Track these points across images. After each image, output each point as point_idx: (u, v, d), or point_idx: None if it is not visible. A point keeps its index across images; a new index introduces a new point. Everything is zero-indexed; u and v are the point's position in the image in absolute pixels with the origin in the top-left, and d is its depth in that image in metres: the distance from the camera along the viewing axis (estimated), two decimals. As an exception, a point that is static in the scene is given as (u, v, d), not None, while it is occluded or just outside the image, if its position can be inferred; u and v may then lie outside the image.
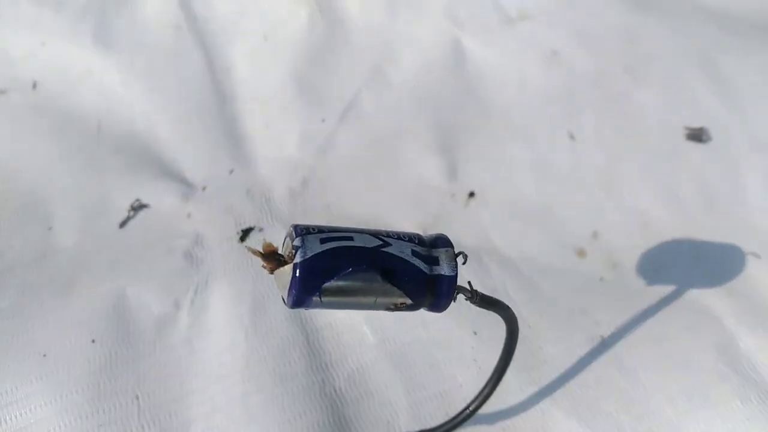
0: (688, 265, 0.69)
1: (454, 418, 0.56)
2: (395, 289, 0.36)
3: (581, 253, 0.70)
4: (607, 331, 0.63)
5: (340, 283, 0.35)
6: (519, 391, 0.59)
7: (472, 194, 0.74)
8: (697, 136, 0.78)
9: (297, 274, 0.34)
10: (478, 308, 0.62)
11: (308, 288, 0.34)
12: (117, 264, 0.68)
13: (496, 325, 0.63)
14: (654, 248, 0.70)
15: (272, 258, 0.36)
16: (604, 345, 0.62)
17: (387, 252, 0.37)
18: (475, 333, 0.63)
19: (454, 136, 0.79)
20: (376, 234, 0.38)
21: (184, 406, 0.60)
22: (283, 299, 0.36)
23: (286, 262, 0.35)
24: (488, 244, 0.71)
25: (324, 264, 0.35)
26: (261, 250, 0.36)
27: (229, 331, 0.64)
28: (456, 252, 0.39)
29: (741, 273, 0.68)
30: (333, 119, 0.79)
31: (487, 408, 0.59)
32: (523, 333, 0.61)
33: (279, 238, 0.69)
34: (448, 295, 0.38)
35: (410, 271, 0.37)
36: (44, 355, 0.62)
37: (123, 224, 0.71)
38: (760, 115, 0.80)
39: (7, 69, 0.84)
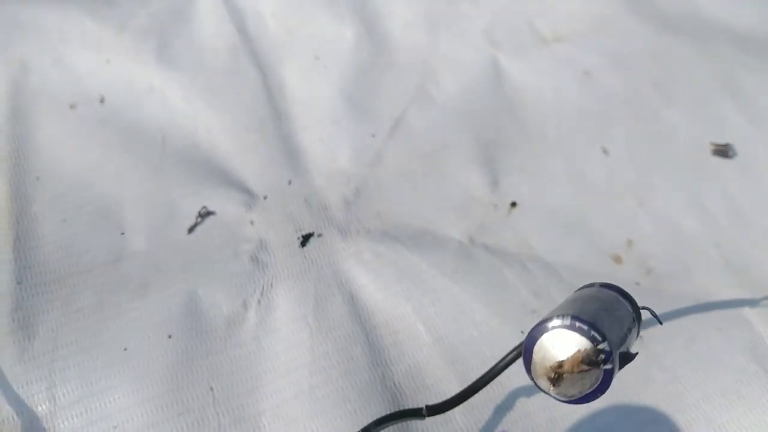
0: (717, 272, 0.74)
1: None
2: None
3: (617, 260, 0.75)
4: (644, 331, 0.68)
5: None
6: (565, 386, 0.64)
7: (513, 204, 0.80)
8: (723, 152, 0.83)
9: (609, 381, 0.36)
10: (525, 312, 0.67)
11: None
12: (187, 266, 0.74)
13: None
14: (685, 255, 0.75)
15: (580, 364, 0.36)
16: (643, 344, 0.67)
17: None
18: (522, 332, 0.68)
19: (494, 150, 0.84)
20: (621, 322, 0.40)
21: (255, 398, 0.65)
22: (556, 397, 0.37)
23: (589, 366, 0.36)
24: (530, 251, 0.76)
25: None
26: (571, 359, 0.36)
27: (295, 329, 0.69)
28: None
29: (766, 278, 0.73)
30: (382, 134, 0.85)
31: (535, 401, 0.64)
32: (567, 333, 0.67)
33: (337, 245, 0.74)
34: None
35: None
36: (125, 350, 0.68)
37: (191, 230, 0.77)
38: (782, 132, 0.85)
39: (75, 85, 0.90)
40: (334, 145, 0.84)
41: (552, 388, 0.37)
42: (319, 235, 0.76)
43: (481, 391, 0.64)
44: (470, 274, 0.73)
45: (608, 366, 0.35)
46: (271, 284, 0.72)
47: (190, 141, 0.85)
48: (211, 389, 0.66)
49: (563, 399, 0.37)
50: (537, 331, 0.38)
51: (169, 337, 0.68)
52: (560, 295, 0.71)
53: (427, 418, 0.56)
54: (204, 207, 0.78)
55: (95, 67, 0.92)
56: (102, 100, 0.89)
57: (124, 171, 0.83)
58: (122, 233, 0.77)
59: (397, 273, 0.73)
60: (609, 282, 0.44)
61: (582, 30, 0.94)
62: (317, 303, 0.71)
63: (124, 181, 0.82)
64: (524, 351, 0.38)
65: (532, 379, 0.38)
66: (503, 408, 0.64)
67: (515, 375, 0.65)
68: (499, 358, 0.53)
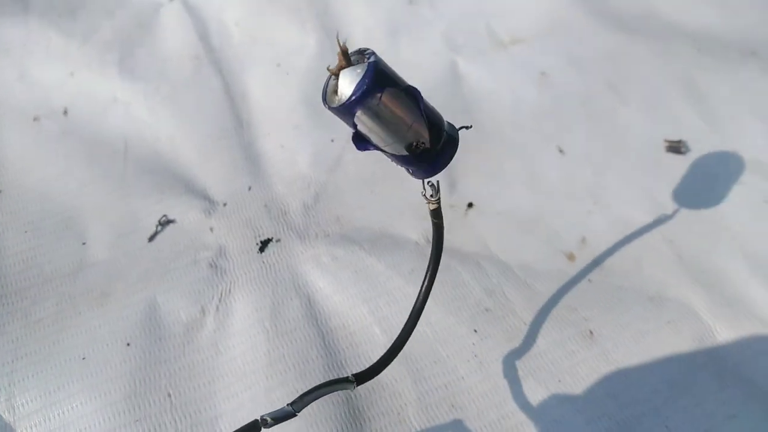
0: (669, 266, 0.75)
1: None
2: (425, 125, 0.43)
3: (571, 257, 0.76)
4: (595, 326, 0.69)
5: (398, 93, 0.41)
6: (515, 382, 0.65)
7: (470, 205, 0.81)
8: (677, 148, 0.84)
9: (371, 69, 0.40)
10: (479, 311, 0.68)
11: (376, 83, 0.40)
12: (147, 275, 0.75)
13: (494, 323, 0.69)
14: (638, 251, 0.76)
15: (346, 57, 0.41)
16: (593, 339, 0.68)
17: (427, 106, 0.45)
18: (475, 331, 0.69)
19: (453, 153, 0.85)
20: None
21: (212, 402, 0.66)
22: (334, 98, 0.41)
23: (354, 65, 0.40)
24: (486, 251, 0.77)
25: (390, 75, 0.41)
26: (341, 48, 0.41)
27: (252, 333, 0.70)
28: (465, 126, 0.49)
29: (716, 270, 0.74)
30: (342, 139, 0.86)
31: (486, 399, 0.65)
32: (519, 329, 0.68)
33: (296, 249, 0.75)
34: (449, 154, 0.47)
35: (437, 118, 0.45)
36: (83, 358, 0.68)
37: (152, 238, 0.78)
38: (735, 128, 0.86)
39: (39, 97, 0.91)
40: (295, 150, 0.86)
41: (339, 91, 0.41)
42: (278, 240, 0.77)
43: (434, 392, 0.65)
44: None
45: (372, 59, 0.40)
46: (230, 290, 0.73)
47: (153, 150, 0.86)
48: (169, 395, 0.66)
49: (347, 99, 0.40)
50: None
51: (128, 344, 0.69)
52: (513, 293, 0.72)
53: (357, 387, 0.55)
54: (164, 215, 0.79)
55: (59, 79, 0.93)
56: (65, 112, 0.90)
57: (86, 182, 0.83)
58: (84, 243, 0.78)
59: (355, 275, 0.74)
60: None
61: (539, 32, 0.96)
62: (274, 307, 0.72)
63: (87, 191, 0.83)
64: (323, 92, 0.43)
65: (325, 101, 0.42)
66: (456, 407, 0.65)
67: (470, 374, 0.66)
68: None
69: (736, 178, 0.82)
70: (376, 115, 0.41)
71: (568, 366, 0.67)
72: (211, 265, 0.75)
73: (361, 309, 0.71)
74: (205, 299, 0.72)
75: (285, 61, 0.94)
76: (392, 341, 0.69)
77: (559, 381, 0.65)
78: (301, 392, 0.64)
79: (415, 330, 0.70)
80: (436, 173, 0.47)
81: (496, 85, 0.91)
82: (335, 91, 0.42)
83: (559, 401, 0.64)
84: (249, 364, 0.68)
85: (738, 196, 0.81)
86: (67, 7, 1.01)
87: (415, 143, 0.44)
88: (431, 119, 0.44)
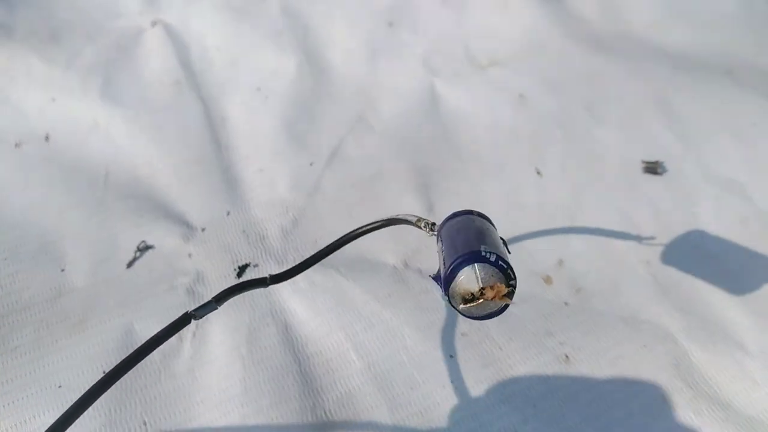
0: (646, 289, 0.75)
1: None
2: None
3: (548, 280, 0.76)
4: (571, 350, 0.69)
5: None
6: (491, 409, 0.65)
7: (448, 228, 0.81)
8: (653, 169, 0.85)
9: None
10: (455, 336, 0.69)
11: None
12: (125, 301, 0.75)
13: (471, 348, 0.69)
14: (614, 273, 0.77)
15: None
16: (569, 364, 0.68)
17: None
18: (451, 356, 0.69)
19: (430, 175, 0.86)
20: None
21: (188, 430, 0.66)
22: (463, 312, 0.44)
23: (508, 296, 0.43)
24: (463, 274, 0.77)
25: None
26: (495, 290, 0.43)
27: (228, 361, 0.70)
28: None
29: (693, 293, 0.74)
30: (320, 163, 0.86)
31: (463, 425, 0.65)
32: (495, 355, 0.68)
33: (272, 273, 0.75)
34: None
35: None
36: (59, 387, 0.68)
37: (130, 264, 0.78)
38: (711, 147, 0.87)
39: (21, 123, 0.92)
40: (273, 175, 0.86)
41: (462, 306, 0.44)
42: (255, 266, 0.78)
43: (410, 419, 0.65)
44: (403, 299, 0.74)
45: (511, 300, 0.44)
46: (207, 317, 0.73)
47: (133, 176, 0.87)
48: (144, 423, 0.66)
49: (467, 315, 0.45)
50: (468, 259, 0.43)
51: (104, 372, 0.69)
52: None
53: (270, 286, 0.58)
54: (143, 241, 0.79)
55: (41, 105, 0.94)
56: (47, 138, 0.91)
57: (66, 207, 0.84)
58: (62, 270, 0.78)
59: (331, 300, 0.74)
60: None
61: (517, 54, 0.97)
62: (251, 334, 0.72)
63: (67, 217, 0.83)
64: (449, 273, 0.44)
65: (446, 293, 0.44)
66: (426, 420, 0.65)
67: (446, 400, 0.66)
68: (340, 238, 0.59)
69: (713, 199, 0.83)
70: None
71: (544, 391, 0.67)
72: (188, 291, 0.75)
73: (338, 335, 0.71)
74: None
75: (265, 85, 0.95)
76: (369, 367, 0.70)
77: (535, 406, 0.65)
78: (277, 421, 0.65)
79: (392, 355, 0.70)
80: None
81: (474, 108, 0.92)
82: (465, 300, 0.44)
83: (535, 428, 0.64)
84: (225, 391, 0.67)
85: (714, 216, 0.81)
86: (50, 32, 1.02)
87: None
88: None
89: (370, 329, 0.71)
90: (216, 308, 0.56)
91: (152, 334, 0.71)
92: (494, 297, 0.43)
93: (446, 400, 0.66)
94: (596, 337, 0.70)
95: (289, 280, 0.76)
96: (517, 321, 0.72)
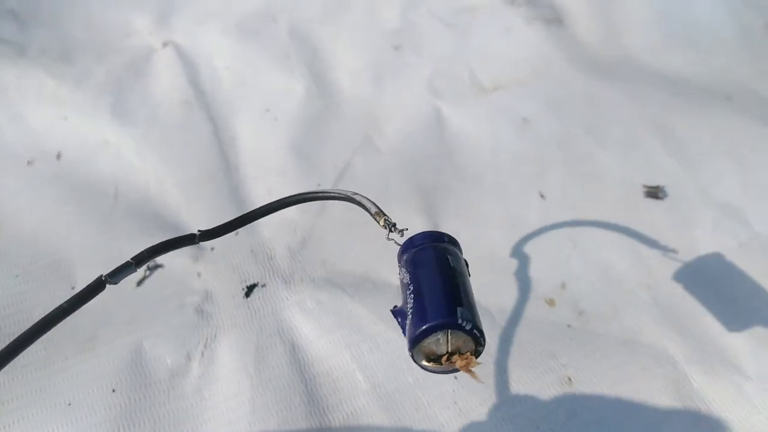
0: (646, 312, 0.76)
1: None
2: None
3: (551, 303, 0.77)
4: (573, 372, 0.71)
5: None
6: (495, 429, 0.66)
7: (452, 249, 0.82)
8: (655, 193, 0.87)
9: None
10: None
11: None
12: (134, 320, 0.76)
13: (475, 369, 0.70)
14: (616, 296, 0.78)
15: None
16: (571, 386, 0.70)
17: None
18: (455, 377, 0.70)
19: (434, 196, 0.88)
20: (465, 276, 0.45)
21: (196, 449, 0.67)
22: (426, 368, 0.43)
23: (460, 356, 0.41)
24: (467, 295, 0.78)
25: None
26: (462, 355, 0.41)
27: (236, 380, 0.71)
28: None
29: (692, 317, 0.76)
30: (328, 184, 0.88)
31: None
32: (499, 377, 0.70)
33: (281, 294, 0.77)
34: None
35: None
36: (69, 404, 0.69)
37: (140, 283, 0.79)
38: (710, 172, 0.89)
39: (33, 141, 0.93)
40: (281, 195, 0.87)
41: (427, 363, 0.42)
42: (263, 285, 0.79)
43: (411, 428, 0.66)
44: (408, 321, 0.75)
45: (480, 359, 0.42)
46: (215, 335, 0.75)
47: (142, 194, 0.88)
48: (153, 442, 0.67)
49: (429, 371, 0.43)
50: (441, 325, 0.40)
51: (113, 390, 0.70)
52: (493, 339, 0.74)
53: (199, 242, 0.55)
54: (153, 260, 0.81)
55: (53, 123, 0.95)
56: (58, 156, 0.92)
57: (77, 225, 0.85)
58: (72, 287, 0.79)
59: (338, 320, 0.75)
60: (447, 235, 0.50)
61: (520, 78, 0.99)
62: (259, 353, 0.73)
63: (77, 235, 0.84)
64: (418, 335, 0.41)
65: (411, 350, 0.42)
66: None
67: (450, 421, 0.67)
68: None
69: (712, 223, 0.84)
70: None
71: (546, 412, 0.68)
72: (197, 311, 0.77)
73: (344, 355, 0.72)
74: (190, 345, 0.74)
75: (274, 106, 0.97)
76: (375, 388, 0.71)
77: (537, 428, 0.66)
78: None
79: (397, 376, 0.71)
80: None
81: (478, 131, 0.94)
82: (424, 353, 0.42)
83: (537, 448, 0.66)
84: (232, 411, 0.69)
85: (714, 240, 0.83)
86: (62, 51, 1.04)
87: None
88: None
89: (376, 350, 0.73)
90: (135, 270, 0.51)
91: (164, 354, 0.73)
92: (463, 367, 0.41)
93: (451, 421, 0.67)
94: (598, 360, 0.72)
95: (297, 299, 0.78)
96: (521, 343, 0.73)
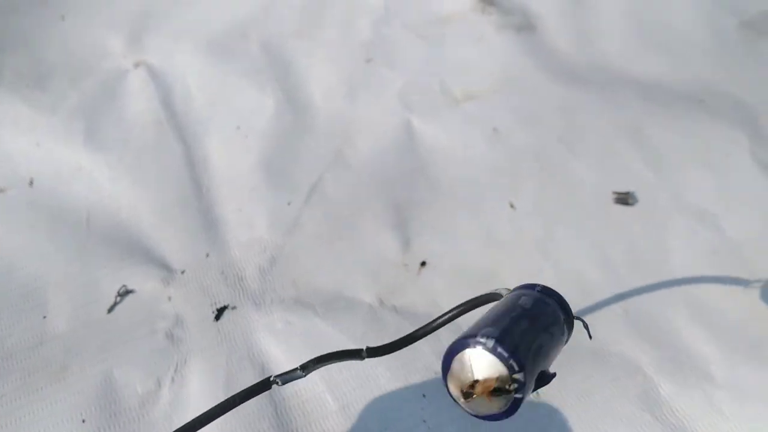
0: (616, 321, 0.76)
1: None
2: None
3: (521, 316, 0.77)
4: (542, 388, 0.70)
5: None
6: (463, 448, 0.66)
7: (423, 263, 0.82)
8: (624, 200, 0.86)
9: (518, 406, 0.37)
10: (428, 375, 0.70)
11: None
12: (105, 347, 0.76)
13: (443, 387, 0.70)
14: (586, 306, 0.78)
15: (497, 391, 0.36)
16: (540, 399, 0.69)
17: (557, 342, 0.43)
18: (424, 395, 0.70)
19: (407, 211, 0.87)
20: (547, 330, 0.42)
21: (166, 476, 0.67)
22: (466, 410, 0.39)
23: (501, 391, 0.36)
24: (438, 311, 0.78)
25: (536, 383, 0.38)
26: (486, 385, 0.36)
27: (205, 405, 0.69)
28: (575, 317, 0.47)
29: (663, 325, 0.75)
30: (298, 201, 0.88)
31: None
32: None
33: (251, 316, 0.77)
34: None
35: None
36: (40, 436, 0.69)
37: (111, 309, 0.80)
38: (683, 178, 0.88)
39: (6, 168, 0.94)
40: (252, 214, 0.88)
41: (463, 400, 0.38)
42: (234, 308, 0.79)
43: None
44: (377, 339, 0.75)
45: (519, 395, 0.36)
46: (185, 360, 0.75)
47: (115, 220, 0.88)
48: (124, 470, 0.67)
49: (471, 413, 0.39)
50: (460, 345, 0.38)
51: (83, 421, 0.70)
52: (463, 356, 0.73)
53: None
54: (123, 286, 0.81)
55: (26, 150, 0.96)
56: (31, 183, 0.93)
57: (49, 253, 0.85)
58: (44, 316, 0.80)
59: (307, 341, 0.75)
60: (549, 288, 0.46)
61: (492, 88, 0.98)
62: (229, 377, 0.73)
63: (49, 263, 0.84)
64: (444, 359, 0.39)
65: (446, 385, 0.39)
66: None
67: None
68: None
69: (684, 229, 0.84)
70: None
71: (514, 428, 0.67)
72: (167, 336, 0.77)
73: (313, 376, 0.71)
74: (161, 371, 0.74)
75: (244, 124, 0.97)
76: (344, 408, 0.71)
77: (506, 445, 0.66)
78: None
79: (366, 395, 0.71)
80: None
81: (450, 142, 0.93)
82: (463, 393, 0.38)
83: (506, 465, 0.65)
84: (202, 437, 0.69)
85: (685, 247, 0.82)
86: (36, 76, 1.04)
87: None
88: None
89: (345, 370, 0.72)
90: (303, 376, 0.52)
91: (134, 381, 0.73)
92: (483, 392, 0.36)
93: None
94: (567, 372, 0.71)
95: (267, 320, 0.78)
96: (489, 358, 0.73)
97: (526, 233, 0.85)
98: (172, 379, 0.73)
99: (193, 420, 0.52)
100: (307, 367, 0.53)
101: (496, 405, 0.37)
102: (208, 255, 0.84)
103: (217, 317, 0.78)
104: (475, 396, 0.37)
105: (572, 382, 0.70)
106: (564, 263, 0.82)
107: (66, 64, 1.07)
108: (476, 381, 0.37)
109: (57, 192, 0.91)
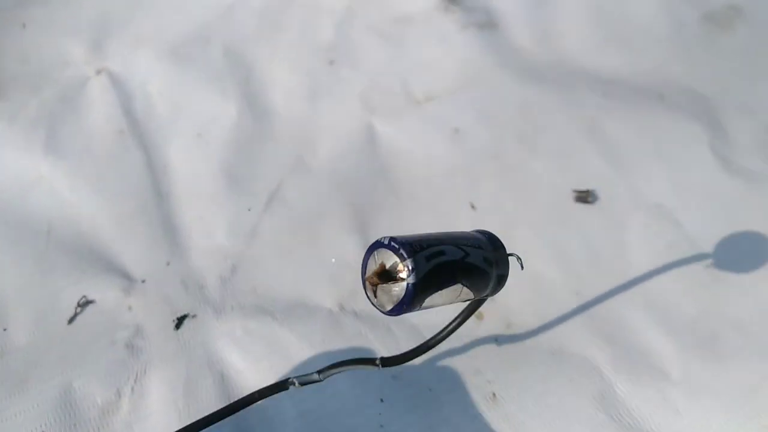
0: (575, 321, 0.77)
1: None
2: (472, 292, 0.47)
3: (479, 316, 0.78)
4: (498, 388, 0.71)
5: (438, 294, 0.43)
6: (420, 451, 0.67)
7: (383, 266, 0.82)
8: (584, 198, 0.87)
9: (411, 293, 0.41)
10: (386, 379, 0.70)
11: (415, 303, 0.42)
12: (65, 358, 0.76)
13: (400, 391, 0.71)
14: (545, 306, 0.78)
15: (384, 275, 0.42)
16: (496, 402, 0.70)
17: (469, 262, 0.46)
18: (382, 400, 0.70)
19: (368, 214, 0.88)
20: (457, 245, 0.45)
21: (126, 487, 0.67)
22: (374, 303, 0.43)
23: (396, 280, 0.42)
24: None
25: (430, 282, 0.42)
26: (376, 269, 0.42)
27: (165, 414, 0.71)
28: (508, 253, 0.50)
29: (620, 322, 0.76)
30: (258, 208, 0.88)
31: None
32: (424, 396, 0.70)
33: (211, 324, 0.77)
34: (501, 287, 0.51)
35: (484, 277, 0.47)
36: (2, 450, 0.70)
37: (71, 320, 0.79)
38: (641, 173, 0.89)
39: (-34, 180, 0.93)
40: (212, 222, 0.87)
41: (375, 299, 0.43)
42: (194, 316, 0.79)
43: None
44: (337, 344, 0.75)
45: (411, 280, 0.41)
46: (145, 370, 0.75)
47: (75, 229, 0.88)
48: (83, 482, 0.67)
49: (382, 310, 0.43)
50: (371, 247, 0.43)
51: (61, 433, 0.70)
52: (420, 359, 0.73)
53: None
54: (84, 296, 0.81)
55: (-15, 161, 0.95)
56: (-8, 194, 0.92)
57: (9, 265, 0.85)
58: (5, 329, 0.80)
59: (267, 348, 0.75)
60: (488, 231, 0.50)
61: (453, 88, 0.98)
62: (188, 386, 0.73)
63: (10, 275, 0.84)
64: (362, 265, 0.44)
65: (365, 293, 0.44)
66: None
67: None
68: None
69: (642, 225, 0.84)
70: (422, 308, 0.44)
71: (473, 430, 0.68)
72: (127, 346, 0.77)
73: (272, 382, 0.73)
74: (120, 381, 0.74)
75: (205, 131, 0.97)
76: (303, 415, 0.71)
77: (462, 447, 0.67)
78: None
79: (325, 401, 0.72)
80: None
81: (411, 144, 0.94)
82: (375, 295, 0.44)
83: (463, 467, 0.66)
84: (161, 446, 0.69)
85: (643, 243, 0.83)
86: (-3, 86, 1.03)
87: (464, 301, 0.49)
88: (480, 284, 0.47)
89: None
90: (320, 380, 0.58)
91: (94, 392, 0.73)
92: (382, 282, 0.42)
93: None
94: (524, 374, 0.72)
95: (226, 328, 0.78)
96: (446, 360, 0.74)
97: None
98: (132, 389, 0.73)
99: (211, 414, 0.60)
100: (324, 372, 0.58)
101: (395, 293, 0.42)
102: (168, 263, 0.84)
103: (177, 326, 0.78)
104: (378, 288, 0.43)
105: (530, 383, 0.71)
106: (524, 263, 0.82)
107: (27, 72, 1.06)
108: (374, 273, 0.42)
109: (17, 202, 0.91)
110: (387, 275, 0.42)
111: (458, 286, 0.45)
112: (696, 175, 0.89)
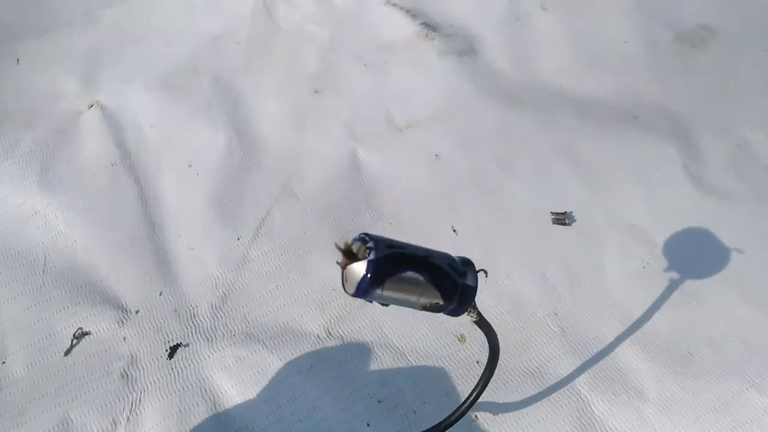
0: (553, 341, 0.79)
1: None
2: (435, 290, 0.49)
3: (462, 339, 0.81)
4: (480, 410, 0.74)
5: (401, 279, 0.46)
6: (404, 473, 0.70)
7: (369, 293, 0.85)
8: (561, 220, 0.90)
9: (370, 269, 0.44)
10: (372, 403, 0.73)
11: (375, 282, 0.45)
12: (62, 390, 0.79)
13: (386, 415, 0.74)
14: (525, 328, 0.81)
15: (349, 255, 0.46)
16: (477, 424, 0.73)
17: (433, 261, 0.49)
18: (368, 424, 0.73)
19: (353, 241, 0.90)
20: (426, 249, 0.50)
21: None
22: (345, 289, 0.47)
23: (359, 259, 0.45)
24: (383, 338, 0.82)
25: (390, 264, 0.45)
26: (341, 247, 0.46)
27: (159, 443, 0.74)
28: (477, 269, 0.52)
29: (597, 343, 0.79)
30: (247, 236, 0.91)
31: None
32: (409, 419, 0.73)
33: (203, 353, 0.80)
34: (469, 301, 0.52)
35: (447, 278, 0.49)
36: (1, 482, 0.72)
37: (67, 352, 0.82)
38: (616, 194, 0.92)
39: (-39, 215, 0.96)
40: (203, 251, 0.90)
41: (345, 282, 0.47)
42: (186, 345, 0.82)
43: None
44: (324, 370, 0.78)
45: (371, 257, 0.44)
46: (140, 400, 0.77)
47: (71, 263, 0.91)
48: None
49: (348, 292, 0.46)
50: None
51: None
52: (404, 382, 0.77)
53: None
54: (79, 328, 0.84)
55: (-19, 196, 0.98)
56: (-13, 229, 0.95)
57: (6, 299, 0.88)
58: (3, 362, 0.82)
59: (257, 376, 0.78)
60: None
61: (433, 114, 1.02)
62: (181, 415, 0.76)
63: (7, 309, 0.87)
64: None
65: (342, 283, 0.47)
66: None
67: None
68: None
69: (618, 246, 0.87)
70: (384, 298, 0.47)
71: (454, 451, 0.71)
72: (123, 376, 0.79)
73: (263, 409, 0.75)
74: (116, 411, 0.76)
75: (195, 161, 1.00)
76: (292, 439, 0.74)
77: (445, 468, 0.69)
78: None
79: (312, 427, 0.74)
80: (461, 315, 0.54)
81: (394, 171, 0.97)
82: (346, 279, 0.47)
83: (446, 487, 0.69)
84: (156, 475, 0.72)
85: (619, 263, 0.86)
86: (-8, 122, 1.06)
87: (429, 305, 0.50)
88: (442, 284, 0.49)
89: (293, 402, 0.76)
90: None
91: (91, 422, 0.75)
92: (348, 262, 0.46)
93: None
94: (504, 395, 0.75)
95: (218, 357, 0.81)
96: (430, 382, 0.76)
97: (468, 257, 0.88)
98: (128, 419, 0.76)
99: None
100: None
101: (357, 272, 0.45)
102: (161, 293, 0.87)
103: (171, 355, 0.81)
104: (345, 270, 0.46)
105: (510, 404, 0.74)
106: (503, 284, 0.85)
107: (21, 107, 1.09)
108: (344, 254, 0.46)
109: (13, 237, 0.93)
110: (354, 258, 0.46)
111: (420, 280, 0.47)
112: (670, 195, 0.92)
